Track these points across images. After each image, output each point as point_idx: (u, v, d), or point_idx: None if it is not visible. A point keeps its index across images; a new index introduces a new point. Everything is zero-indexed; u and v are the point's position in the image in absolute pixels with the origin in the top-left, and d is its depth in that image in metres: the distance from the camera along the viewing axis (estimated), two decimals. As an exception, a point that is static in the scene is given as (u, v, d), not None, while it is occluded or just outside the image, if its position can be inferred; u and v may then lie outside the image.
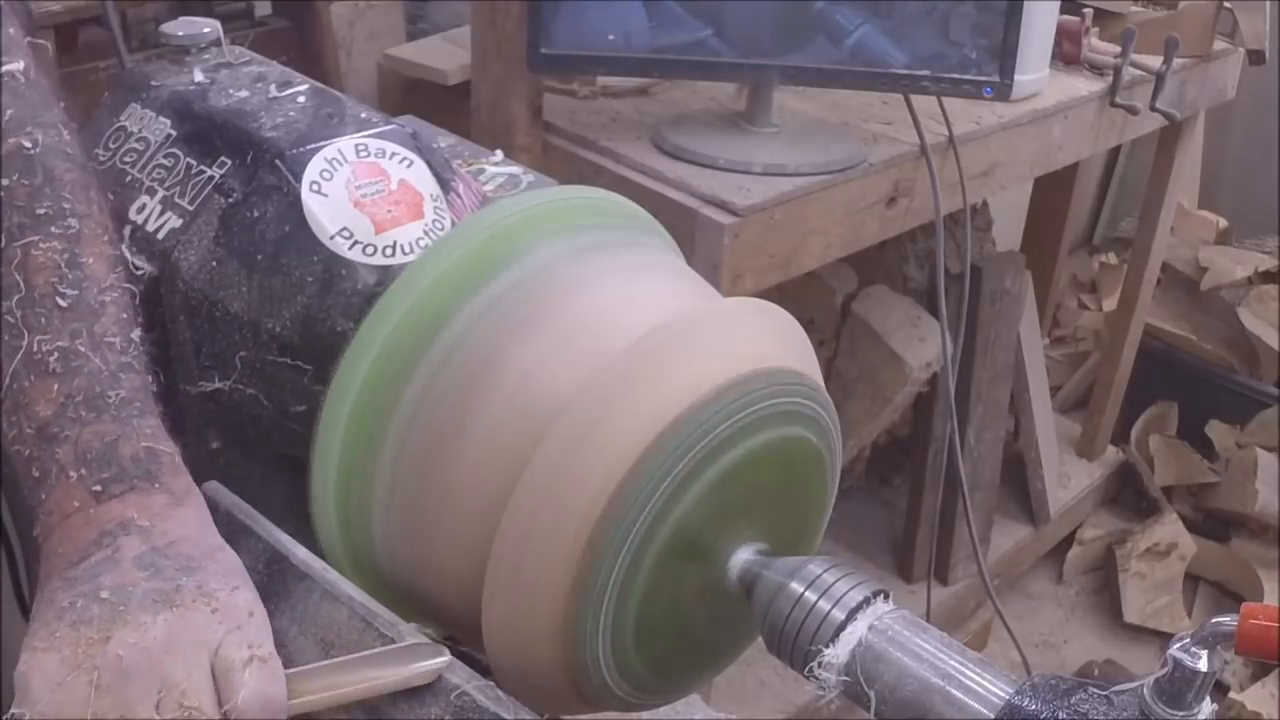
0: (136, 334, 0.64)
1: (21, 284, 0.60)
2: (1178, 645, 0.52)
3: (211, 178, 0.73)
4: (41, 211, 0.62)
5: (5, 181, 0.62)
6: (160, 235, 0.73)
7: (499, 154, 0.91)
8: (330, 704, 0.58)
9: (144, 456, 0.59)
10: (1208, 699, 0.53)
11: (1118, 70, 1.85)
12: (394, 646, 0.60)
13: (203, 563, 0.57)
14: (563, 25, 1.42)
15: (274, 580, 0.65)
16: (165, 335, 0.74)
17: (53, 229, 0.62)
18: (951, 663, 0.60)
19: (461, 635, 0.69)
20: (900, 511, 2.35)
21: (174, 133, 0.77)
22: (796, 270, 1.54)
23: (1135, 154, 3.12)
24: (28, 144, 0.64)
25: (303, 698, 0.57)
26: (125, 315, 0.63)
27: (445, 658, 0.60)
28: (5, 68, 0.66)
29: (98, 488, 0.57)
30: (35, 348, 0.59)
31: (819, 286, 2.19)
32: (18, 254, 0.61)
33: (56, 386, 0.59)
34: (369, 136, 0.73)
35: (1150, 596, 2.50)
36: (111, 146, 0.79)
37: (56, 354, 0.59)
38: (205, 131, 0.75)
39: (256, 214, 0.71)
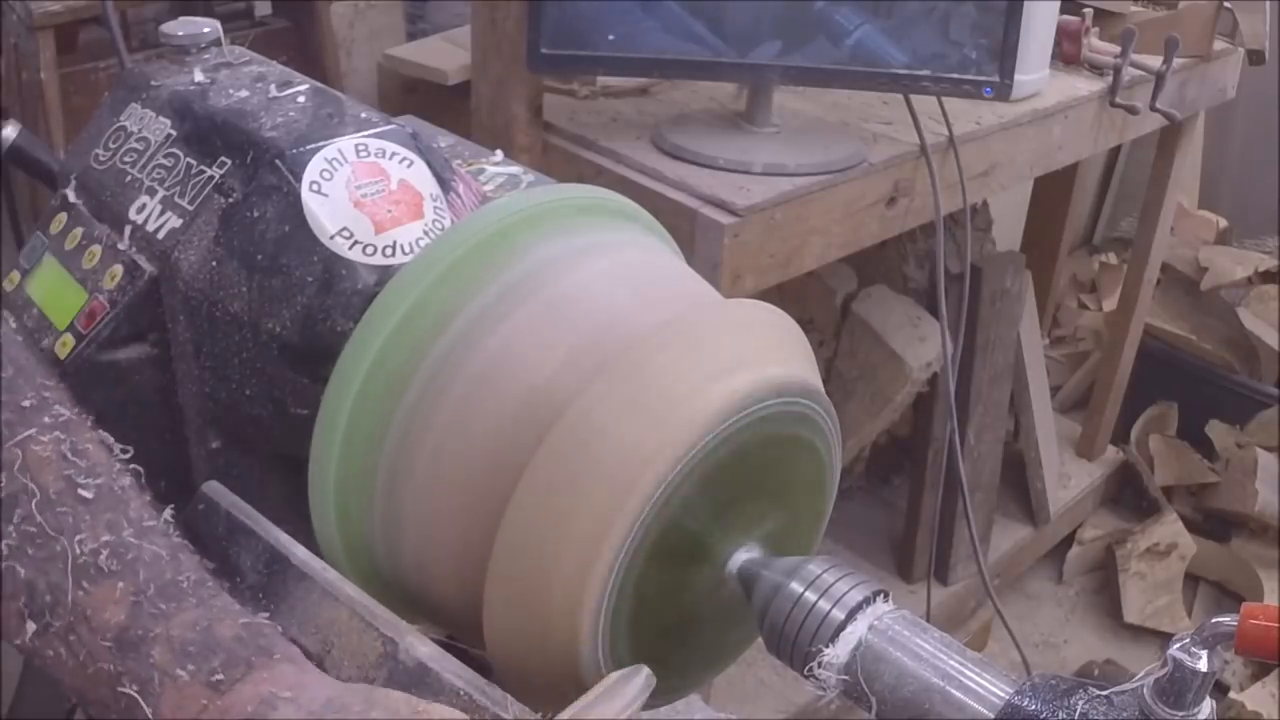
0: (168, 513, 0.58)
1: (32, 486, 0.53)
2: (1178, 645, 0.52)
3: (211, 178, 0.73)
4: (27, 404, 0.56)
5: None
6: (160, 235, 0.73)
7: (499, 154, 0.91)
8: None
9: (246, 634, 0.52)
10: (1208, 699, 0.53)
11: (1118, 70, 1.85)
12: (594, 691, 0.54)
13: (370, 697, 0.49)
14: (563, 25, 1.42)
15: (274, 580, 0.64)
16: (165, 335, 0.74)
17: (44, 419, 0.55)
18: (951, 663, 0.60)
19: (462, 635, 0.69)
20: (900, 511, 2.35)
21: (174, 133, 0.77)
22: (796, 270, 1.54)
23: (1135, 154, 3.13)
24: None
25: None
26: (147, 497, 0.57)
27: (644, 673, 0.55)
28: None
29: (217, 677, 0.49)
30: (76, 550, 0.52)
31: (819, 286, 2.19)
32: (17, 455, 0.54)
33: (121, 585, 0.52)
34: (369, 136, 0.73)
35: (1150, 596, 2.51)
36: (111, 146, 0.79)
37: (106, 551, 0.52)
38: (205, 131, 0.75)
39: (256, 214, 0.71)
